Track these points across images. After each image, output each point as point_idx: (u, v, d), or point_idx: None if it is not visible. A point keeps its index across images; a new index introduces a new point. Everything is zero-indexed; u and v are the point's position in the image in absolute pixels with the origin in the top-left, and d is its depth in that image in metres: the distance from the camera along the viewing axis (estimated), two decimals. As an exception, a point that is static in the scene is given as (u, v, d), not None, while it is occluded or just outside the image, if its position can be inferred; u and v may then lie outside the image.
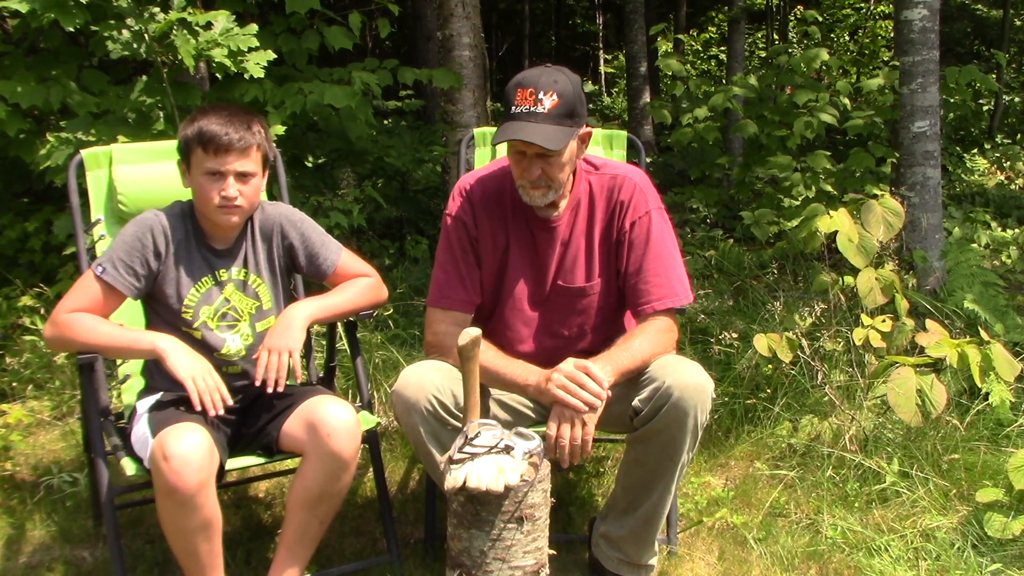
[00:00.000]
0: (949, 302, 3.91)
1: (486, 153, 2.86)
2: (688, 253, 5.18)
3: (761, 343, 3.12)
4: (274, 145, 2.76)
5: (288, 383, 2.14)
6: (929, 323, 3.10)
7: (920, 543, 2.48)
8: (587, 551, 2.36)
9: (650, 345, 2.11)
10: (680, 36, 9.86)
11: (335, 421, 2.07)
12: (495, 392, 2.26)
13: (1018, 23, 13.36)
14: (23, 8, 3.26)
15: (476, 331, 1.84)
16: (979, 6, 13.49)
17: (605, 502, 2.43)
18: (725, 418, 3.18)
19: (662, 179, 7.81)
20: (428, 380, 2.05)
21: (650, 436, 2.05)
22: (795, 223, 4.54)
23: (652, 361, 2.10)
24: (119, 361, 2.52)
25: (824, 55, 5.18)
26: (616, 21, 17.66)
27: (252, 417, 2.26)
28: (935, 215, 4.36)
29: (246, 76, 3.56)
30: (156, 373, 2.22)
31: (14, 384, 3.50)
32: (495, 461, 1.82)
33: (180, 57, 3.37)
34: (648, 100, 8.71)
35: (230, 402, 2.10)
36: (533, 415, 2.31)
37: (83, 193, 2.53)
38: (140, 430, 2.11)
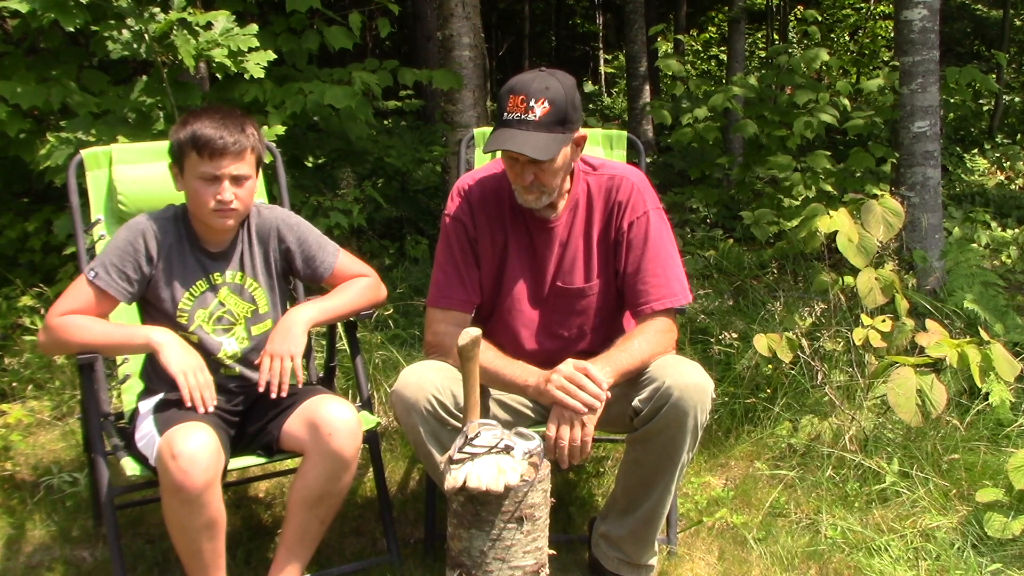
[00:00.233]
0: (949, 302, 3.91)
1: (486, 154, 2.85)
2: (688, 253, 5.18)
3: (761, 343, 3.12)
4: (274, 145, 2.77)
5: (288, 385, 2.14)
6: (929, 323, 3.10)
7: (920, 543, 2.48)
8: (587, 551, 2.36)
9: (650, 345, 2.11)
10: (680, 36, 9.87)
11: (336, 421, 2.07)
12: (495, 392, 2.26)
13: (1018, 23, 13.36)
14: (23, 8, 3.26)
15: (476, 331, 1.84)
16: (979, 6, 13.49)
17: (605, 502, 2.43)
18: (725, 418, 3.18)
19: (662, 179, 7.81)
20: (428, 380, 2.05)
21: (650, 436, 2.05)
22: (795, 223, 4.54)
23: (652, 361, 2.10)
24: (119, 361, 2.52)
25: (824, 55, 5.18)
26: (616, 21, 17.66)
27: (253, 417, 2.26)
28: (935, 215, 4.36)
29: (246, 76, 3.56)
30: (154, 376, 2.22)
31: (14, 384, 3.50)
32: (495, 461, 1.82)
33: (180, 57, 3.37)
34: (648, 100, 8.71)
35: (215, 401, 2.09)
36: (533, 415, 2.31)
37: (83, 193, 2.53)
38: (145, 429, 2.11)
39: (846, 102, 5.16)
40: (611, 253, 2.25)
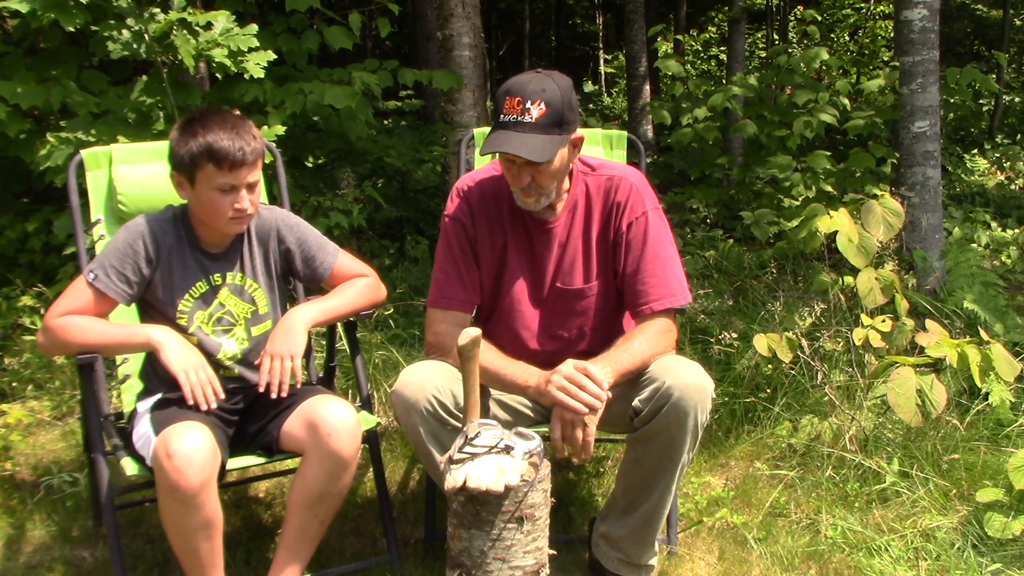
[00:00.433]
0: (949, 302, 3.91)
1: (484, 156, 2.85)
2: (688, 253, 5.18)
3: (761, 343, 3.12)
4: (274, 145, 2.77)
5: (288, 385, 2.14)
6: (929, 323, 3.10)
7: (920, 543, 2.48)
8: (587, 551, 2.36)
9: (650, 345, 2.11)
10: (680, 36, 9.86)
11: (336, 421, 2.07)
12: (495, 392, 2.26)
13: (1018, 23, 13.36)
14: (23, 8, 3.26)
15: (476, 331, 1.84)
16: (979, 6, 13.49)
17: (605, 502, 2.43)
18: (725, 418, 3.18)
19: (662, 179, 7.81)
20: (428, 380, 2.05)
21: (650, 436, 2.05)
22: (795, 223, 4.54)
23: (652, 361, 2.10)
24: (119, 361, 2.52)
25: (824, 55, 5.18)
26: (616, 21, 17.66)
27: (252, 417, 2.26)
28: (935, 215, 4.36)
29: (246, 76, 3.56)
30: (154, 376, 2.22)
31: (14, 384, 3.51)
32: (495, 461, 1.82)
33: (180, 57, 3.37)
34: (648, 100, 8.71)
35: (222, 395, 2.09)
36: (533, 415, 2.31)
37: (83, 193, 2.53)
38: (142, 429, 2.11)
39: (846, 102, 5.15)
40: (610, 254, 2.25)
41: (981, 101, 10.48)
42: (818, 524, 2.60)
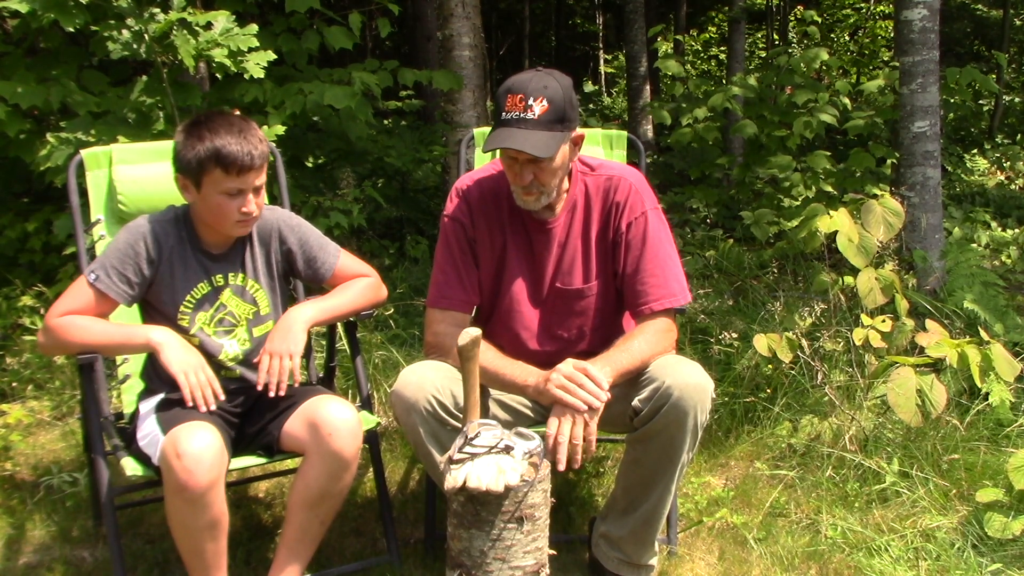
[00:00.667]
0: (949, 302, 3.91)
1: (485, 153, 2.86)
2: (688, 253, 5.18)
3: (761, 343, 3.12)
4: (274, 145, 2.77)
5: (287, 385, 2.14)
6: (929, 323, 3.10)
7: (920, 543, 2.48)
8: (587, 551, 2.36)
9: (649, 345, 2.11)
10: (680, 36, 9.87)
11: (336, 421, 2.07)
12: (495, 392, 2.26)
13: (1018, 23, 13.36)
14: (23, 8, 3.26)
15: (476, 331, 1.84)
16: (979, 6, 13.49)
17: (605, 502, 2.43)
18: (725, 418, 3.18)
19: (662, 179, 7.81)
20: (428, 380, 2.05)
21: (650, 436, 2.05)
22: (795, 223, 4.54)
23: (652, 361, 2.10)
24: (119, 361, 2.52)
25: (824, 55, 5.18)
26: (616, 21, 17.66)
27: (253, 417, 2.26)
28: (935, 215, 4.36)
29: (246, 76, 3.56)
30: (155, 376, 2.21)
31: (14, 384, 3.51)
32: (495, 461, 1.82)
33: (180, 57, 3.37)
34: (648, 100, 8.71)
35: (222, 396, 2.09)
36: (533, 415, 2.31)
37: (83, 193, 2.53)
38: (148, 428, 2.11)
39: (846, 102, 5.16)
40: (610, 254, 2.25)
41: (981, 101, 10.48)
42: (818, 524, 2.60)
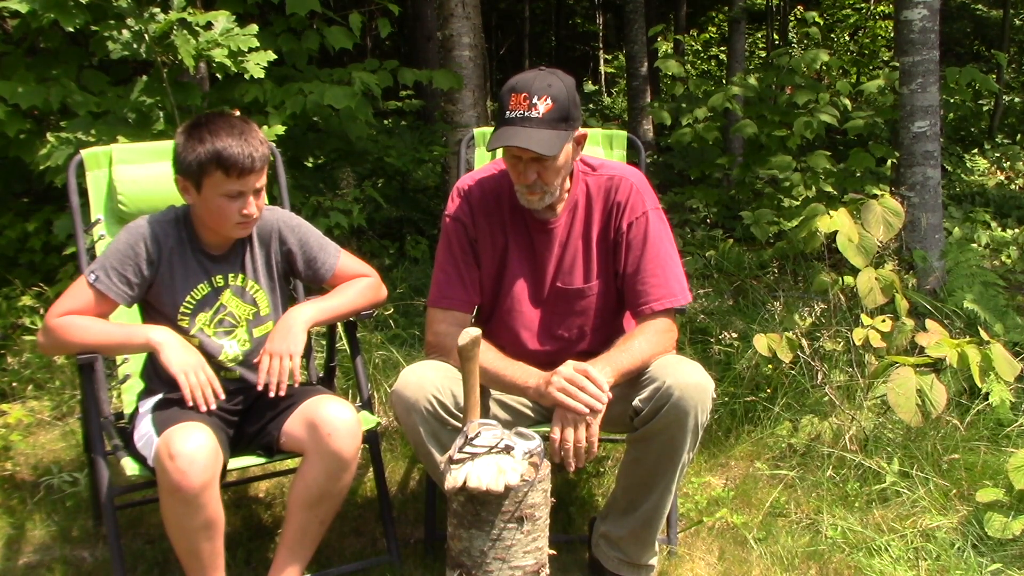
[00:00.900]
0: (949, 302, 3.91)
1: (486, 153, 2.86)
2: (688, 253, 5.18)
3: (761, 343, 3.12)
4: (274, 145, 2.77)
5: (287, 385, 2.14)
6: (929, 323, 3.10)
7: (920, 543, 2.48)
8: (587, 551, 2.36)
9: (650, 345, 2.11)
10: (680, 36, 9.86)
11: (336, 421, 2.07)
12: (495, 392, 2.26)
13: (1018, 23, 13.36)
14: (23, 8, 3.26)
15: (476, 331, 1.84)
16: (979, 6, 13.49)
17: (605, 502, 2.43)
18: (725, 418, 3.18)
19: (662, 179, 7.81)
20: (428, 380, 2.05)
21: (650, 436, 2.05)
22: (795, 223, 4.55)
23: (652, 361, 2.10)
24: (119, 361, 2.52)
25: (824, 56, 5.18)
26: (616, 21, 17.66)
27: (253, 417, 2.26)
28: (935, 215, 4.36)
29: (246, 76, 3.56)
30: (155, 376, 2.21)
31: (14, 384, 3.51)
32: (495, 461, 1.82)
33: (180, 57, 3.37)
34: (648, 100, 8.71)
35: (222, 396, 2.09)
36: (533, 415, 2.31)
37: (83, 193, 2.52)
38: (144, 429, 2.11)
39: (846, 102, 5.16)
40: (610, 253, 2.25)
41: (981, 101, 10.48)
42: (818, 524, 2.60)
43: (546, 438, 1.99)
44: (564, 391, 1.96)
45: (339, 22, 4.26)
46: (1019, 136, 10.57)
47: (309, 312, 2.23)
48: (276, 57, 3.77)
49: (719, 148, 6.26)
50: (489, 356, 2.09)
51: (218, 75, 3.66)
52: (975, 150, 9.92)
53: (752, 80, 5.45)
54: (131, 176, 2.55)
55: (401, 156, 5.57)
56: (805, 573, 2.40)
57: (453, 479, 1.82)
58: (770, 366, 3.29)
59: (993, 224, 6.61)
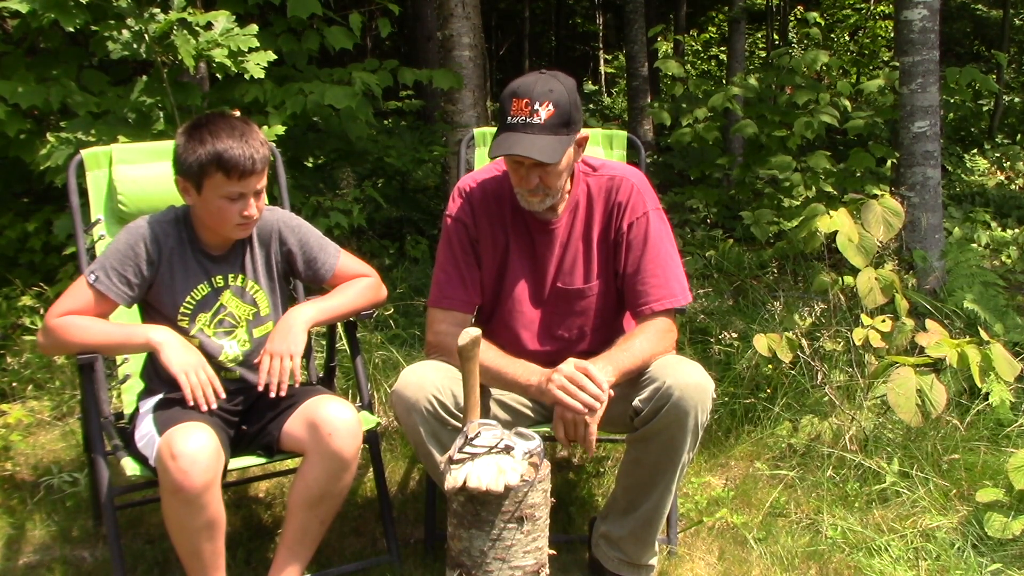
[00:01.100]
0: (949, 302, 3.91)
1: (486, 153, 2.85)
2: (688, 253, 5.19)
3: (761, 343, 3.12)
4: (274, 145, 2.77)
5: (287, 385, 2.14)
6: (929, 323, 3.10)
7: (920, 543, 2.48)
8: (587, 551, 2.36)
9: (650, 345, 2.11)
10: (680, 36, 9.86)
11: (336, 421, 2.07)
12: (495, 392, 2.26)
13: (1018, 23, 13.36)
14: (23, 8, 3.26)
15: (476, 331, 1.84)
16: (979, 6, 13.49)
17: (605, 502, 2.43)
18: (725, 418, 3.18)
19: (662, 179, 7.81)
20: (428, 380, 2.05)
21: (650, 436, 2.05)
22: (795, 223, 4.55)
23: (652, 361, 2.10)
24: (119, 361, 2.52)
25: (824, 57, 5.19)
26: (616, 21, 17.65)
27: (253, 417, 2.26)
28: (935, 215, 4.36)
29: (246, 76, 3.56)
30: (155, 376, 2.21)
31: (14, 384, 3.50)
32: (495, 461, 1.82)
33: (180, 57, 3.37)
34: (648, 100, 8.71)
35: (223, 396, 2.10)
36: (533, 415, 2.31)
37: (83, 193, 2.52)
38: (145, 429, 2.11)
39: (846, 102, 5.16)
40: (611, 254, 2.25)
41: (981, 101, 10.48)
42: (818, 524, 2.60)
43: (546, 437, 1.99)
44: (564, 389, 1.96)
45: (339, 22, 4.26)
46: (1019, 136, 10.57)
47: (309, 312, 2.23)
48: (276, 57, 3.77)
49: (719, 148, 6.26)
50: (490, 354, 2.09)
51: (218, 75, 3.66)
52: (975, 150, 9.92)
53: (752, 80, 5.45)
54: (131, 176, 2.55)
55: (401, 156, 5.56)
56: (805, 573, 2.40)
57: (453, 479, 1.82)
58: (770, 366, 3.29)
59: (993, 224, 6.61)
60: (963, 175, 9.00)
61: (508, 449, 1.85)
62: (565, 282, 2.26)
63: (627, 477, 2.18)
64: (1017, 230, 6.50)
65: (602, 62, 19.25)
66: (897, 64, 4.45)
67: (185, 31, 3.40)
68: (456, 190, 2.29)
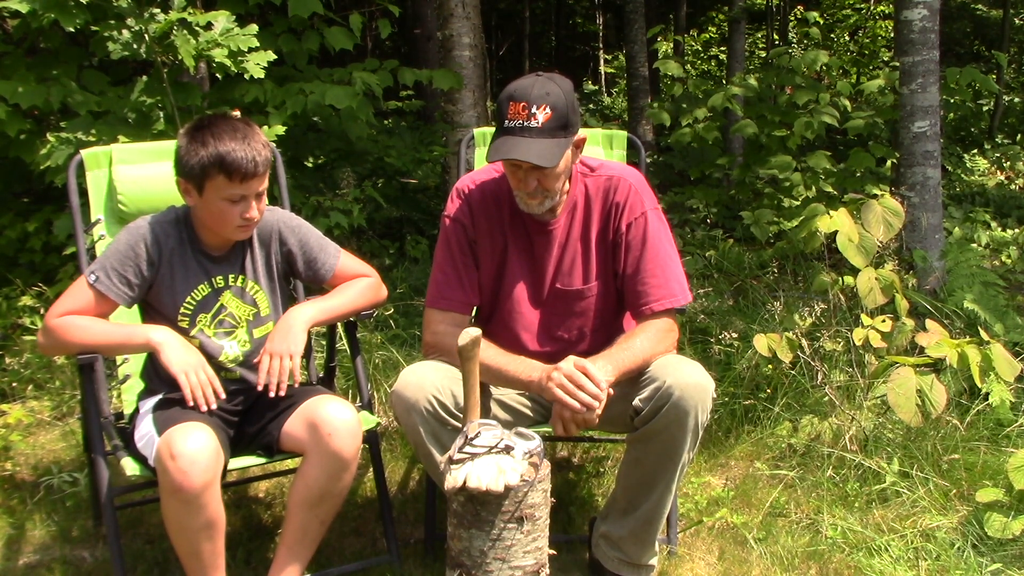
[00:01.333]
0: (949, 302, 3.91)
1: (486, 153, 2.85)
2: (688, 253, 5.19)
3: (761, 343, 3.12)
4: (274, 145, 2.76)
5: (287, 385, 2.14)
6: (929, 323, 3.10)
7: (920, 543, 2.48)
8: (587, 551, 2.36)
9: (651, 345, 2.11)
10: (680, 36, 9.86)
11: (336, 421, 2.07)
12: (495, 392, 2.26)
13: (1018, 23, 13.36)
14: (23, 8, 3.26)
15: (476, 331, 1.84)
16: (979, 6, 13.49)
17: (605, 502, 2.43)
18: (725, 418, 3.18)
19: (662, 179, 7.81)
20: (428, 380, 2.05)
21: (651, 436, 2.05)
22: (795, 223, 4.55)
23: (653, 361, 2.10)
24: (119, 361, 2.52)
25: (824, 57, 5.18)
26: (616, 21, 17.65)
27: (253, 417, 2.26)
28: (935, 215, 4.36)
29: (246, 76, 3.56)
30: (155, 376, 2.21)
31: (14, 384, 3.50)
32: (495, 461, 1.82)
33: (180, 57, 3.37)
34: (648, 100, 8.71)
35: (223, 395, 2.10)
36: (533, 415, 2.31)
37: (83, 193, 2.52)
38: (145, 429, 2.11)
39: (846, 102, 5.16)
40: (610, 254, 2.25)
41: (981, 101, 10.48)
42: (818, 524, 2.60)
43: (546, 437, 1.99)
44: (563, 387, 1.96)
45: (339, 23, 4.26)
46: (1019, 136, 10.57)
47: (309, 312, 2.23)
48: (276, 57, 3.77)
49: (719, 148, 6.26)
50: (490, 352, 2.09)
51: (218, 75, 3.66)
52: (975, 150, 9.93)
53: (752, 80, 5.45)
54: (131, 176, 2.55)
55: (401, 156, 5.56)
56: (805, 573, 2.40)
57: (453, 479, 1.82)
58: (770, 366, 3.29)
59: (993, 224, 6.61)
60: (963, 175, 9.00)
61: (508, 449, 1.85)
62: (564, 283, 2.26)
63: (627, 477, 2.18)
64: (1017, 230, 6.50)
65: (602, 62, 19.24)
66: (897, 64, 4.45)
67: (185, 31, 3.40)
68: (454, 191, 2.29)
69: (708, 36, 16.32)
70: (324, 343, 2.72)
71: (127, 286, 2.13)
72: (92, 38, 3.61)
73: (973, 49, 13.88)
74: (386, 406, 3.14)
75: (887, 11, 12.63)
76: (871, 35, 12.37)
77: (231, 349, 2.23)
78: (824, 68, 5.37)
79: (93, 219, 2.55)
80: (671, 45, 6.25)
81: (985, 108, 10.84)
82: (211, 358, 2.18)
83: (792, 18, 13.86)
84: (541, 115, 2.00)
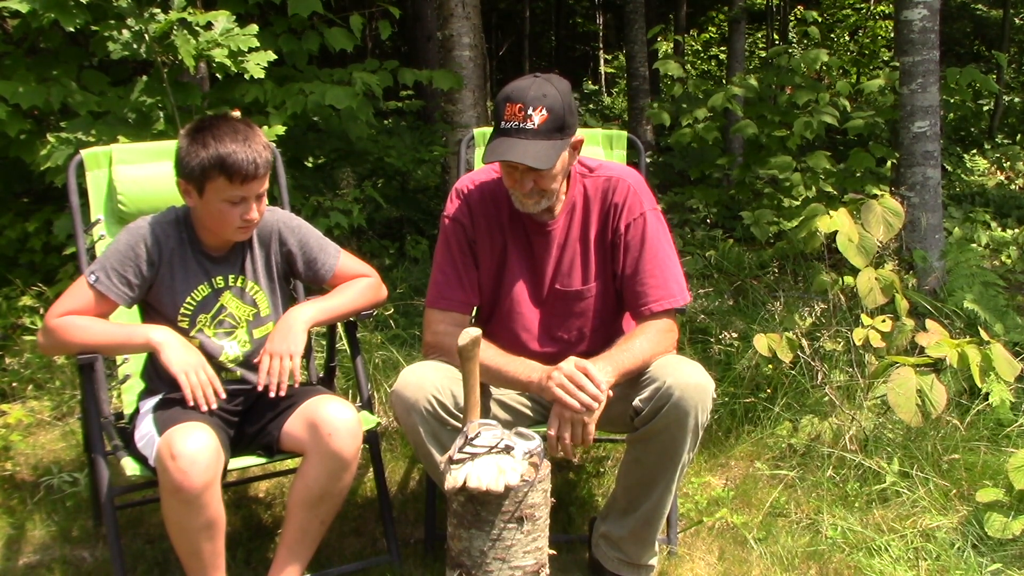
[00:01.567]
0: (949, 302, 3.91)
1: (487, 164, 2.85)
2: (688, 253, 5.19)
3: (761, 343, 3.12)
4: (274, 145, 2.76)
5: (287, 385, 2.14)
6: (929, 323, 3.10)
7: (920, 543, 2.48)
8: (587, 551, 2.36)
9: (651, 345, 2.11)
10: (680, 36, 9.86)
11: (336, 421, 2.07)
12: (495, 392, 2.26)
13: (1018, 23, 13.36)
14: (23, 8, 3.26)
15: (476, 331, 1.84)
16: (979, 6, 13.49)
17: (605, 502, 2.43)
18: (725, 418, 3.18)
19: (662, 179, 7.81)
20: (428, 380, 2.05)
21: (651, 436, 2.05)
22: (795, 223, 4.55)
23: (653, 361, 2.10)
24: (119, 361, 2.52)
25: (824, 56, 5.18)
26: (616, 21, 17.65)
27: (253, 417, 2.26)
28: (935, 215, 4.36)
29: (246, 76, 3.56)
30: (155, 376, 2.22)
31: (14, 384, 3.50)
32: (495, 461, 1.82)
33: (180, 57, 3.37)
34: (648, 100, 8.71)
35: (223, 396, 2.10)
36: (533, 415, 2.31)
37: (83, 193, 2.52)
38: (145, 429, 2.11)
39: (846, 102, 5.16)
40: (609, 255, 2.25)
41: (981, 101, 10.48)
42: (818, 524, 2.60)
43: (546, 438, 1.99)
44: (563, 387, 1.96)
45: (339, 23, 4.26)
46: (1019, 136, 10.57)
47: (309, 312, 2.23)
48: (276, 57, 3.77)
49: (719, 148, 6.26)
50: (490, 353, 2.09)
51: (218, 75, 3.66)
52: (975, 150, 9.92)
53: (752, 80, 5.44)
54: (131, 176, 2.55)
55: (401, 156, 5.56)
56: (805, 573, 2.41)
57: (453, 479, 1.82)
58: (770, 366, 3.29)
59: (993, 224, 6.61)
60: (963, 175, 9.00)
61: (508, 449, 1.85)
62: (563, 284, 2.26)
63: (627, 477, 2.18)
64: (1017, 230, 6.50)
65: (602, 62, 19.24)
66: (897, 64, 4.45)
67: (185, 31, 3.40)
68: (454, 191, 2.29)
69: (708, 36, 16.33)
70: (324, 343, 2.72)
71: (127, 286, 2.13)
72: (92, 38, 3.61)
73: (973, 49, 13.88)
74: (386, 406, 3.14)
75: (887, 11, 12.64)
76: (871, 35, 12.37)
77: (231, 349, 2.23)
78: (824, 68, 5.37)
79: (93, 219, 2.55)
80: (671, 45, 6.24)
81: (985, 108, 10.84)
82: (211, 358, 2.18)
83: (792, 18, 13.87)
84: (537, 117, 1.99)
